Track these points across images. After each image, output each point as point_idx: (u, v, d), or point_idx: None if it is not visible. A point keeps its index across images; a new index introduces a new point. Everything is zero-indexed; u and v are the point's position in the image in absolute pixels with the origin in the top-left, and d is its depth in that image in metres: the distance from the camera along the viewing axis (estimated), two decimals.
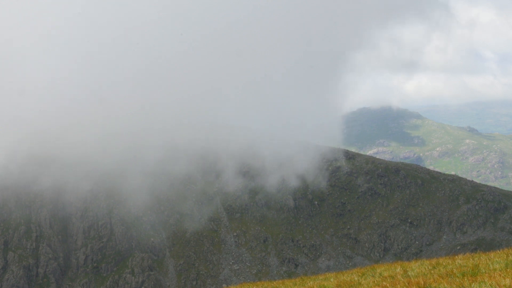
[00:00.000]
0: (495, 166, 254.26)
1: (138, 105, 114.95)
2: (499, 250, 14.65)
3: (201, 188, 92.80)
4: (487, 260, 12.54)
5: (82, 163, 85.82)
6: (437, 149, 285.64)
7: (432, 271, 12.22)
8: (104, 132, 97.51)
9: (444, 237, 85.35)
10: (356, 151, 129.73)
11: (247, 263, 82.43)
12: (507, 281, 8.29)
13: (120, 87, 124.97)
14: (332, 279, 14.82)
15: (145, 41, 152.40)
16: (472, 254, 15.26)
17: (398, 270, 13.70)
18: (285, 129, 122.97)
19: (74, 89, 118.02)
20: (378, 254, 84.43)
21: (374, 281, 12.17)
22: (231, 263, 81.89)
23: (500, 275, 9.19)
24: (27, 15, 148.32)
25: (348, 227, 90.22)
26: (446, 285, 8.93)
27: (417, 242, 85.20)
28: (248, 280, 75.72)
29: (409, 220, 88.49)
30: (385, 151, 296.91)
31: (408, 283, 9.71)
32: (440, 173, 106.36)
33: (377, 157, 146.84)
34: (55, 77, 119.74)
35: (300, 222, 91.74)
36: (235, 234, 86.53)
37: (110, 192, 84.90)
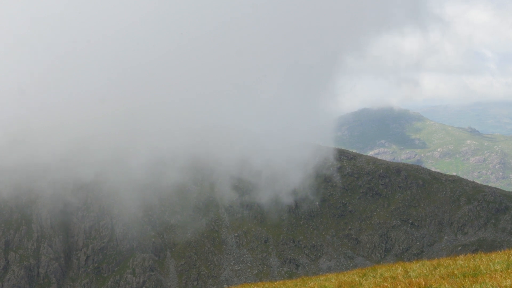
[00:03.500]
0: (496, 167, 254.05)
1: (128, 108, 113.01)
2: (500, 251, 14.66)
3: (195, 198, 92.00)
4: (488, 261, 12.56)
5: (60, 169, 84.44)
6: (438, 149, 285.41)
7: (433, 272, 12.24)
8: (95, 134, 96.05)
9: (445, 237, 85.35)
10: (357, 152, 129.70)
11: (248, 264, 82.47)
12: (508, 282, 8.31)
13: (107, 89, 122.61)
14: (333, 280, 14.85)
15: (133, 40, 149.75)
16: (473, 255, 15.28)
17: (399, 270, 13.73)
18: (284, 131, 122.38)
19: (55, 91, 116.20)
20: (379, 255, 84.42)
21: (375, 282, 12.20)
22: (232, 263, 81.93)
23: (501, 276, 9.21)
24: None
25: (349, 227, 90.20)
26: (447, 286, 8.96)
27: (418, 243, 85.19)
28: (249, 281, 75.75)
29: (410, 221, 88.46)
30: (386, 152, 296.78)
31: (409, 284, 9.74)
32: (441, 173, 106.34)
33: (378, 158, 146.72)
34: (33, 78, 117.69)
35: (301, 222, 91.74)
36: (236, 234, 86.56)
37: (108, 196, 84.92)
